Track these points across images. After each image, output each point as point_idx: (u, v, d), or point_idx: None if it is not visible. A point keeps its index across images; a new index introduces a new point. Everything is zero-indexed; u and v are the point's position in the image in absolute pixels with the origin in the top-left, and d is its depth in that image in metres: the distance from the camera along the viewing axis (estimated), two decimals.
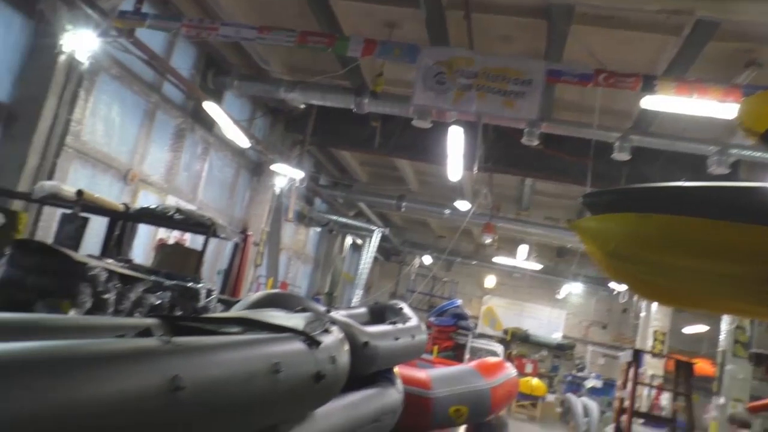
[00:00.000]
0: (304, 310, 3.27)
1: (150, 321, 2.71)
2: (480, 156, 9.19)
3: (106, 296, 3.53)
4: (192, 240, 8.65)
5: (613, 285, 17.26)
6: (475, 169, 8.68)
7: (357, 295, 15.26)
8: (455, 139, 8.30)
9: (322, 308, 3.69)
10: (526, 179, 12.90)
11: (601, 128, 8.15)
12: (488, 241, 14.87)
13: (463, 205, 12.68)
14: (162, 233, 8.98)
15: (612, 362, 18.45)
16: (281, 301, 3.62)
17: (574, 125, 8.64)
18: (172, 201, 8.86)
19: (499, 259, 18.92)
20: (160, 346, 1.72)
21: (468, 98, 6.42)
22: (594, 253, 3.37)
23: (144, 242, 8.54)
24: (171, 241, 8.31)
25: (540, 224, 14.83)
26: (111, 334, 2.34)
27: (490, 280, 21.90)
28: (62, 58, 6.48)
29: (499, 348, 12.94)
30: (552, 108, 8.77)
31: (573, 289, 20.24)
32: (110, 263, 3.88)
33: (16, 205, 6.26)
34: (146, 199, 8.46)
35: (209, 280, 7.20)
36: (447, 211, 13.92)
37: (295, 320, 2.82)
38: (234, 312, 3.17)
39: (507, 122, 7.88)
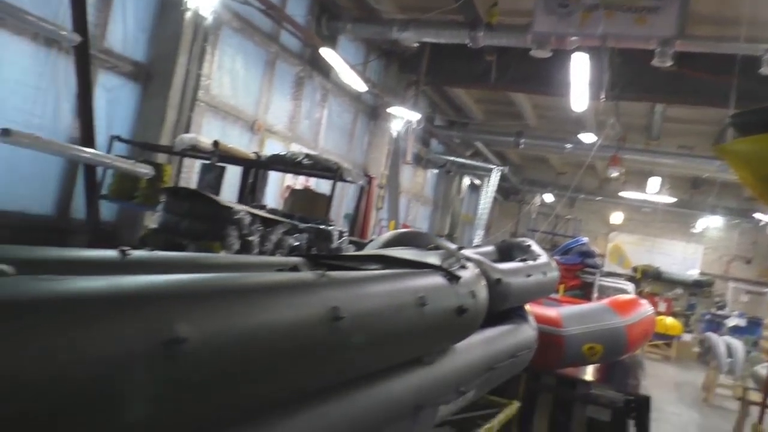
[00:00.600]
0: (436, 247, 3.31)
1: (295, 259, 2.87)
2: (606, 83, 8.64)
3: (250, 238, 3.76)
4: (316, 185, 8.97)
5: (759, 216, 15.88)
6: (602, 97, 8.17)
7: (477, 236, 15.22)
8: (579, 67, 7.83)
9: (453, 246, 3.71)
10: (657, 105, 11.99)
11: (748, 40, 7.30)
12: (614, 174, 14.12)
13: (587, 137, 12.08)
14: (289, 180, 9.38)
15: (757, 299, 17.23)
16: (412, 239, 3.67)
17: (714, 40, 7.80)
18: (295, 148, 9.18)
19: (627, 194, 17.97)
20: (318, 280, 1.82)
21: (595, 19, 5.99)
22: (745, 178, 3.09)
23: (272, 189, 8.97)
24: (298, 187, 8.67)
25: (673, 154, 13.81)
26: (263, 271, 2.50)
27: (616, 216, 20.93)
28: (188, 15, 6.79)
29: (629, 286, 12.44)
30: (686, 23, 7.97)
31: (711, 223, 18.86)
32: (252, 208, 4.11)
33: (161, 158, 6.78)
34: (272, 148, 8.83)
35: (336, 223, 7.48)
36: (568, 146, 13.34)
37: (431, 257, 2.87)
38: (370, 250, 3.28)
39: (636, 43, 7.29)
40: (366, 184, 6.67)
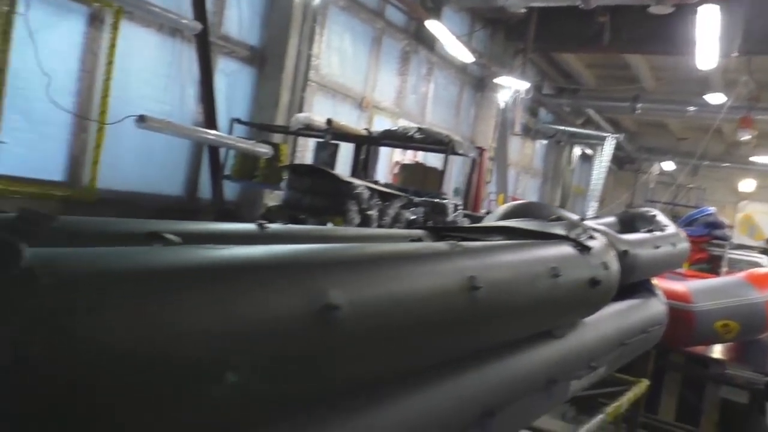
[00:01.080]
0: (558, 218, 3.20)
1: (418, 231, 2.87)
2: (739, 37, 7.90)
3: (369, 213, 3.83)
4: (424, 160, 8.95)
5: None
6: (734, 53, 7.49)
7: (591, 208, 14.61)
8: (708, 21, 7.20)
9: (575, 217, 3.58)
10: None
11: None
12: (745, 138, 12.96)
13: (714, 98, 11.16)
14: (397, 155, 9.43)
15: None
16: (533, 210, 3.57)
17: None
18: (402, 124, 9.21)
19: (759, 159, 16.49)
20: (452, 249, 1.80)
21: None
22: None
23: (381, 165, 9.07)
24: (407, 162, 8.70)
25: None
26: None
27: (746, 184, 19.29)
28: None
29: (763, 259, 11.45)
30: None
31: None
32: (370, 183, 4.18)
33: (276, 138, 7.04)
34: (380, 124, 8.90)
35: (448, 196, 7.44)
36: (692, 109, 12.39)
37: (556, 228, 2.77)
38: (491, 222, 3.22)
39: None
40: (477, 156, 6.57)
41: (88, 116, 5.53)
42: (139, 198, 6.09)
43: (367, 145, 6.48)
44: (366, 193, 3.85)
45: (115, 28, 5.58)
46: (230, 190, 6.95)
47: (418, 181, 6.06)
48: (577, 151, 17.17)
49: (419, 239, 2.70)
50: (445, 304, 1.59)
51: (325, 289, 1.25)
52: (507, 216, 3.53)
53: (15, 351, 0.79)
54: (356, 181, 3.92)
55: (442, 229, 3.12)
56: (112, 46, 5.56)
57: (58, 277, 0.89)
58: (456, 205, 4.85)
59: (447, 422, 1.78)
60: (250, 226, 2.11)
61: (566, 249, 2.43)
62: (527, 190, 15.53)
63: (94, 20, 5.51)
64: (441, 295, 1.58)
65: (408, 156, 9.39)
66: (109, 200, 5.80)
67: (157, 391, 0.96)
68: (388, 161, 9.46)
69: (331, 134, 6.17)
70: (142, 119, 4.81)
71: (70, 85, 5.43)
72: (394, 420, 1.57)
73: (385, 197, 4.13)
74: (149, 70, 6.08)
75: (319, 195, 3.77)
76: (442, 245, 1.89)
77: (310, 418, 1.39)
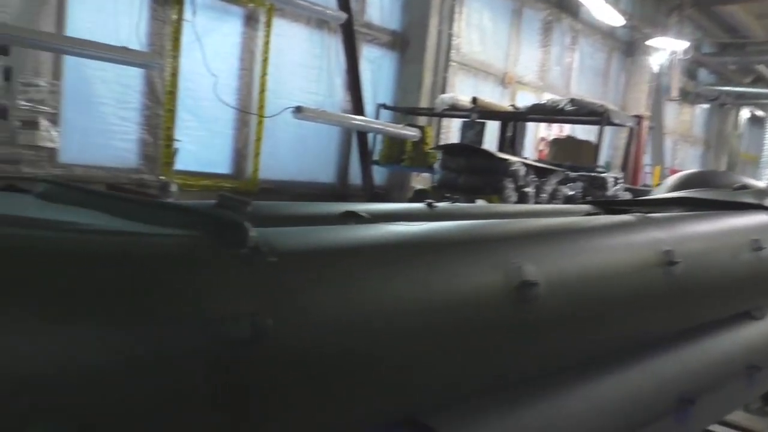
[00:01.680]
0: (743, 186, 2.88)
1: (585, 206, 2.72)
2: None
3: (526, 190, 3.71)
4: (572, 133, 8.55)
5: None
6: None
7: (766, 176, 13.12)
8: None
9: (761, 184, 3.21)
10: None
11: None
12: None
13: None
14: (543, 131, 9.11)
15: None
16: (710, 179, 3.25)
17: None
18: (547, 98, 8.84)
19: None
20: (641, 221, 1.68)
21: None
22: None
23: (527, 142, 8.79)
24: (553, 137, 8.37)
25: None
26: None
27: None
28: None
29: None
30: None
31: None
32: (526, 159, 4.05)
33: (421, 120, 7.07)
34: (523, 100, 8.61)
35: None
36: None
37: (746, 196, 2.50)
38: (664, 194, 2.98)
39: None
40: (635, 125, 6.13)
41: (248, 111, 5.90)
42: (295, 186, 6.42)
43: (514, 121, 6.30)
44: (522, 170, 3.74)
45: (268, 25, 5.88)
46: (378, 174, 7.11)
47: (570, 156, 5.79)
48: (744, 113, 15.48)
49: (588, 214, 2.56)
50: (641, 280, 1.48)
51: (521, 265, 1.21)
52: (680, 187, 3.25)
53: (252, 326, 0.83)
54: (512, 158, 3.82)
55: (610, 203, 2.93)
56: (266, 43, 5.88)
57: (281, 254, 0.92)
58: (616, 179, 4.56)
59: (642, 408, 1.66)
60: (419, 206, 2.12)
61: (765, 219, 2.18)
62: (686, 161, 14.29)
63: (250, 20, 5.84)
64: (635, 271, 1.48)
65: (554, 130, 9.02)
66: (270, 189, 6.17)
67: (367, 360, 0.98)
68: (534, 137, 9.15)
69: (477, 113, 6.07)
70: (298, 110, 5.04)
71: (232, 82, 5.82)
72: (587, 404, 1.49)
73: (541, 173, 3.98)
74: (300, 63, 6.35)
75: (473, 174, 3.72)
76: (628, 217, 1.76)
77: (497, 400, 1.35)
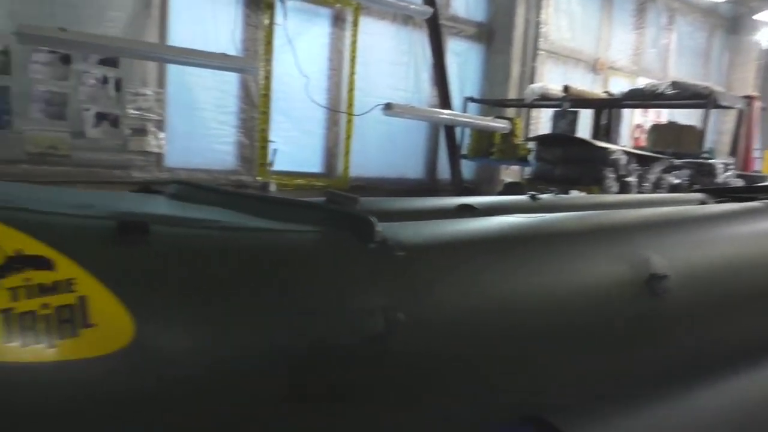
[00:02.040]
0: None
1: (698, 195, 2.57)
2: None
3: (628, 179, 3.55)
4: (670, 117, 8.10)
5: None
6: None
7: None
8: None
9: None
10: None
11: None
12: None
13: None
14: (638, 117, 8.70)
15: None
16: None
17: None
18: (642, 82, 8.43)
19: None
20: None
21: None
22: None
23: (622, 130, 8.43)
24: (647, 125, 7.97)
25: None
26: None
27: None
28: None
29: None
30: None
31: None
32: (627, 147, 3.88)
33: (509, 112, 6.93)
34: (616, 86, 8.26)
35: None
36: None
37: None
38: None
39: None
40: (745, 107, 5.72)
41: (338, 110, 6.00)
42: (385, 183, 6.47)
43: (609, 108, 6.04)
44: (623, 159, 3.58)
45: (354, 24, 5.96)
46: (467, 168, 7.04)
47: (671, 142, 5.47)
48: None
49: (703, 203, 2.42)
50: None
51: (648, 257, 1.15)
52: None
53: (386, 320, 0.84)
54: (612, 147, 3.66)
55: (723, 191, 2.76)
56: (354, 42, 5.95)
57: (407, 248, 0.92)
58: (726, 165, 4.27)
59: None
60: (522, 198, 2.09)
61: None
62: None
63: (337, 20, 5.94)
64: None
65: (650, 116, 8.59)
66: (360, 187, 6.25)
67: (494, 355, 0.97)
68: (628, 125, 8.75)
69: (569, 101, 5.87)
70: (388, 107, 5.07)
71: (322, 83, 5.93)
72: (722, 403, 1.40)
73: (643, 161, 3.79)
74: (387, 60, 6.39)
75: (571, 164, 3.60)
76: (756, 204, 1.65)
77: (624, 399, 1.30)
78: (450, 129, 6.61)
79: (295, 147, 5.93)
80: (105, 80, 4.55)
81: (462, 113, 6.50)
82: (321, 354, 0.80)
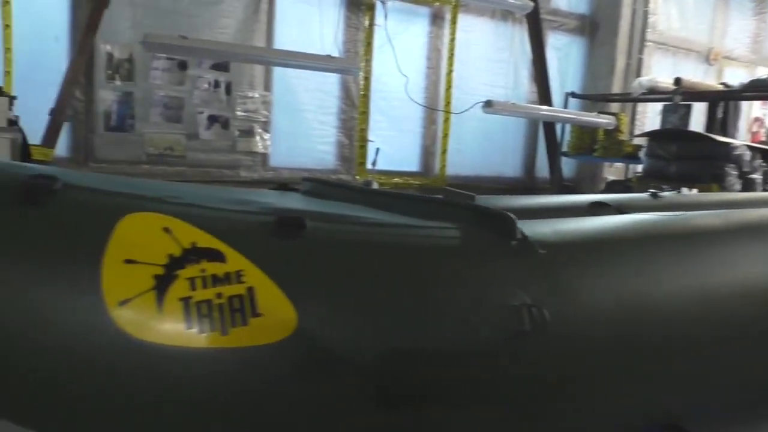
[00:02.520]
0: None
1: None
2: None
3: (752, 176, 3.32)
4: None
5: None
6: None
7: None
8: None
9: None
10: None
11: None
12: None
13: None
14: (756, 110, 8.10)
15: None
16: None
17: None
18: (762, 73, 7.83)
19: None
20: None
21: None
22: None
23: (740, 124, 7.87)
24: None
25: None
26: None
27: None
28: None
29: None
30: None
31: None
32: (748, 142, 3.63)
33: (613, 107, 6.66)
34: (732, 77, 7.72)
35: None
36: None
37: None
38: None
39: None
40: None
41: (436, 108, 6.01)
42: (482, 181, 6.40)
43: (726, 101, 5.66)
44: (747, 154, 3.34)
45: (453, 22, 5.93)
46: (566, 166, 6.83)
47: None
48: None
49: None
50: None
51: None
52: None
53: (531, 317, 0.84)
54: (735, 142, 3.43)
55: None
56: (452, 39, 5.93)
57: (548, 245, 0.92)
58: None
59: None
60: (642, 196, 2.02)
61: None
62: None
63: (436, 18, 5.94)
64: None
65: None
66: (457, 186, 6.21)
67: (637, 356, 0.94)
68: (746, 118, 8.16)
69: (681, 94, 5.55)
70: (488, 104, 5.02)
71: (420, 81, 5.95)
72: None
73: None
74: (485, 57, 6.32)
75: (687, 161, 3.41)
76: None
77: None
78: (550, 126, 6.44)
79: (393, 146, 5.98)
80: (216, 84, 4.80)
81: (563, 109, 6.31)
82: (468, 350, 0.81)
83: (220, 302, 0.74)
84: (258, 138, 5.09)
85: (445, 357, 0.80)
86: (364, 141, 5.66)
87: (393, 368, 0.78)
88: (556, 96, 6.53)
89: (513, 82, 6.49)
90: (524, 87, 6.55)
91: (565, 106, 6.54)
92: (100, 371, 0.70)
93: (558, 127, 6.50)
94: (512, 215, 0.91)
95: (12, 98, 3.42)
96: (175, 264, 0.74)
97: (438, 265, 0.85)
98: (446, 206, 0.99)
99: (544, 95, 6.28)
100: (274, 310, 0.75)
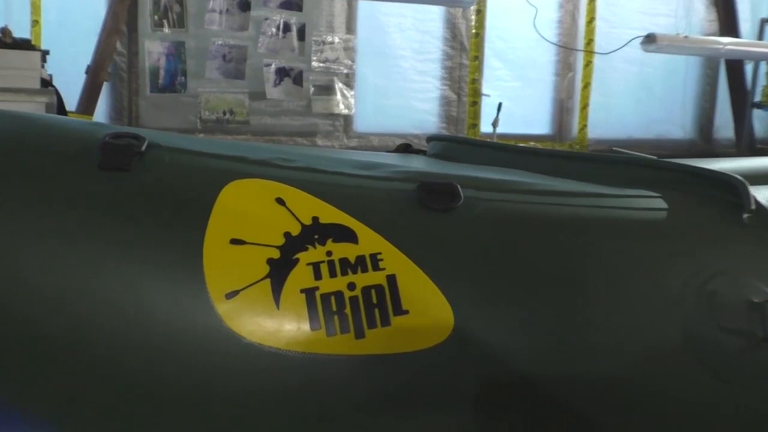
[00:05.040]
0: None
1: None
2: None
3: None
4: None
5: None
6: None
7: None
8: None
9: None
10: None
11: None
12: None
13: None
14: None
15: None
16: None
17: None
18: None
19: None
20: None
21: None
22: None
23: None
24: None
25: None
26: None
27: None
28: None
29: None
30: None
31: None
32: None
33: None
34: None
35: None
36: None
37: None
38: None
39: None
40: None
41: (573, 48, 5.85)
42: (637, 145, 6.17)
43: None
44: None
45: None
46: (760, 122, 6.49)
47: None
48: None
49: None
50: None
51: None
52: None
53: None
54: None
55: None
56: None
57: None
58: None
59: None
60: None
61: None
62: None
63: None
64: None
65: None
66: (602, 152, 6.04)
67: None
68: None
69: None
70: (649, 39, 4.84)
71: (552, 12, 5.82)
72: None
73: None
74: None
75: None
76: None
77: None
78: (735, 67, 6.13)
79: (515, 101, 5.88)
80: (287, 28, 4.88)
81: (756, 41, 5.99)
82: (684, 364, 0.77)
83: (353, 295, 0.73)
84: (339, 96, 5.15)
85: (649, 361, 0.77)
86: (476, 95, 5.60)
87: (578, 376, 0.75)
88: (746, 25, 6.21)
89: (683, 7, 6.21)
90: (699, 14, 6.25)
91: (760, 37, 6.20)
92: (202, 382, 0.71)
93: (748, 68, 6.18)
94: (742, 179, 0.86)
95: (44, 53, 3.60)
96: (293, 245, 0.73)
97: (646, 248, 0.81)
98: (645, 168, 0.94)
99: (728, 23, 5.98)
100: (424, 306, 0.74)
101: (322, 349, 0.72)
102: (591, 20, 5.87)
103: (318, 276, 0.73)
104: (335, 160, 0.92)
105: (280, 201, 0.76)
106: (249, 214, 0.75)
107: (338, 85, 5.15)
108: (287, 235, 0.74)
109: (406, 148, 1.30)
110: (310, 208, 0.76)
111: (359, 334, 0.72)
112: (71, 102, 4.31)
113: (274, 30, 4.87)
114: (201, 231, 0.73)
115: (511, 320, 0.76)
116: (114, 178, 0.77)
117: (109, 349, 0.70)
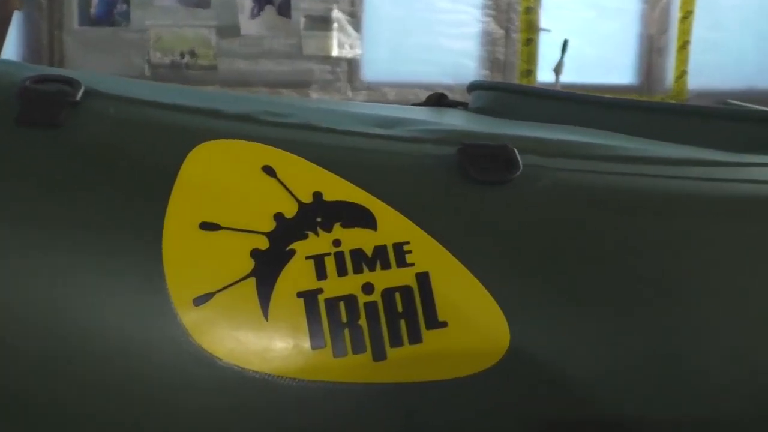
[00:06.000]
0: None
1: None
2: None
3: None
4: None
5: None
6: None
7: None
8: None
9: None
10: None
11: None
12: None
13: None
14: None
15: None
16: None
17: None
18: None
19: None
20: None
21: None
22: None
23: None
24: None
25: None
26: None
27: None
28: None
29: None
30: None
31: None
32: None
33: None
34: None
35: None
36: None
37: None
38: None
39: None
40: None
41: None
42: (760, 99, 6.17)
43: None
44: None
45: None
46: None
47: None
48: None
49: None
50: None
51: None
52: None
53: None
54: None
55: None
56: None
57: None
58: None
59: None
60: None
61: None
62: None
63: None
64: None
65: None
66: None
67: None
68: None
69: None
70: None
71: None
72: None
73: None
74: None
75: None
76: None
77: None
78: None
79: (586, 39, 5.89)
80: None
81: None
82: None
83: (370, 300, 0.72)
84: (339, 32, 5.14)
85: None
86: (532, 31, 5.60)
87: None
88: None
89: None
90: None
91: None
92: (163, 418, 0.71)
93: None
94: None
95: None
96: (287, 231, 0.73)
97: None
98: None
99: None
100: (469, 316, 0.74)
101: (326, 375, 0.72)
102: None
103: (322, 274, 0.72)
104: (344, 115, 0.91)
105: (268, 170, 0.75)
106: (225, 189, 0.75)
107: (337, 16, 5.12)
108: (279, 217, 0.73)
109: (439, 100, 1.30)
110: (311, 179, 0.76)
111: (379, 356, 0.72)
112: None
113: None
114: (160, 211, 0.72)
115: (588, 338, 0.76)
116: (38, 137, 0.75)
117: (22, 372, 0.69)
